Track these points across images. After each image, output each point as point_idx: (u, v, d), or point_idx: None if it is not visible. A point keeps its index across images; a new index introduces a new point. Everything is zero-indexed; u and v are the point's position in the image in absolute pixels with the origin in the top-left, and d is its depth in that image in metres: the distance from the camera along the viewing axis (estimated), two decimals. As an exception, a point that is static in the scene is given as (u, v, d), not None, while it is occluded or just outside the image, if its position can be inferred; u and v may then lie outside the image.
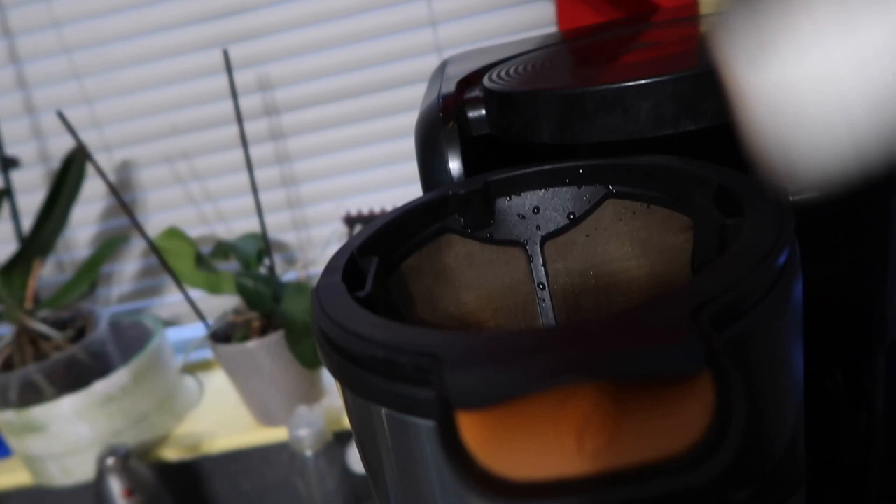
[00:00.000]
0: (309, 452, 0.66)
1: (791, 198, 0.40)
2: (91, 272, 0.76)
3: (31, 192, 0.83)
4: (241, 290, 0.68)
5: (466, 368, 0.16)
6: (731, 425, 0.14)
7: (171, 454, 0.77)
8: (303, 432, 0.65)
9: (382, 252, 0.27)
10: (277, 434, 0.76)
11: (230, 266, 0.79)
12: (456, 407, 0.16)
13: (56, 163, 0.77)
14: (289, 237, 0.87)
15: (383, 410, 0.20)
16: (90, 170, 0.73)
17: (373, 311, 0.21)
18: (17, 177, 0.79)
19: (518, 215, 0.31)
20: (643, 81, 0.28)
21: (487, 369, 0.16)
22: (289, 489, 0.80)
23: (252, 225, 0.81)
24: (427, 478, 0.20)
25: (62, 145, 0.81)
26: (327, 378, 0.78)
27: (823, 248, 0.39)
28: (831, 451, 0.42)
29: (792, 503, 0.22)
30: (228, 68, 0.71)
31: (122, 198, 0.78)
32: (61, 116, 0.66)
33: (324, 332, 0.21)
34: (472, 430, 0.15)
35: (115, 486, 0.67)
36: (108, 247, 0.78)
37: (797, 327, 0.21)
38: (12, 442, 0.74)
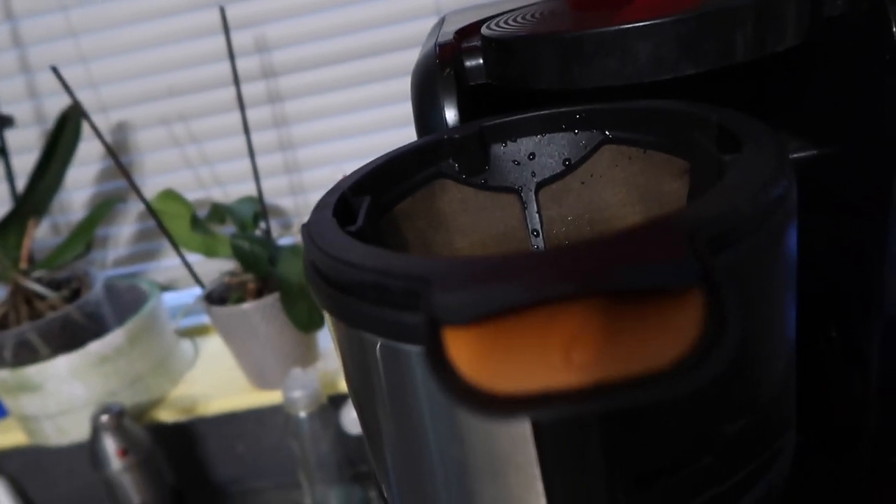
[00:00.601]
0: (303, 414, 0.66)
1: (791, 155, 0.39)
2: (86, 233, 0.76)
3: (26, 153, 0.82)
4: (237, 252, 0.68)
5: (455, 288, 0.16)
6: (722, 340, 0.13)
7: (166, 416, 0.78)
8: (297, 394, 0.65)
9: (375, 192, 0.27)
10: (272, 397, 0.76)
11: (227, 230, 0.78)
12: (443, 323, 0.15)
13: (52, 123, 0.76)
14: (286, 202, 0.86)
15: (375, 341, 0.20)
16: (86, 132, 0.72)
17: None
18: (11, 137, 0.78)
19: (513, 161, 0.30)
20: (642, 23, 0.27)
21: (475, 286, 0.15)
22: (284, 452, 0.81)
23: (249, 189, 0.80)
24: (418, 408, 0.20)
25: (58, 105, 0.80)
26: (322, 341, 0.78)
27: (827, 208, 0.38)
28: (824, 411, 0.42)
29: (781, 444, 0.22)
30: (225, 27, 0.70)
31: (119, 160, 0.78)
32: (56, 72, 0.65)
33: (314, 263, 0.21)
34: (461, 347, 0.15)
35: (110, 445, 0.68)
36: (103, 207, 0.77)
37: (789, 272, 0.20)
38: (7, 401, 0.74)
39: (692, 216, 0.16)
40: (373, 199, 0.27)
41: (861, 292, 0.37)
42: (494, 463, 0.19)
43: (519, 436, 0.18)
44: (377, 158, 0.29)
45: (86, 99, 0.80)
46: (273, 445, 0.82)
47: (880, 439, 0.39)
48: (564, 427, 0.18)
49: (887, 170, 0.32)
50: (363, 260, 0.19)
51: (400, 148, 0.29)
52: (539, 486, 0.19)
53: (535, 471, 0.19)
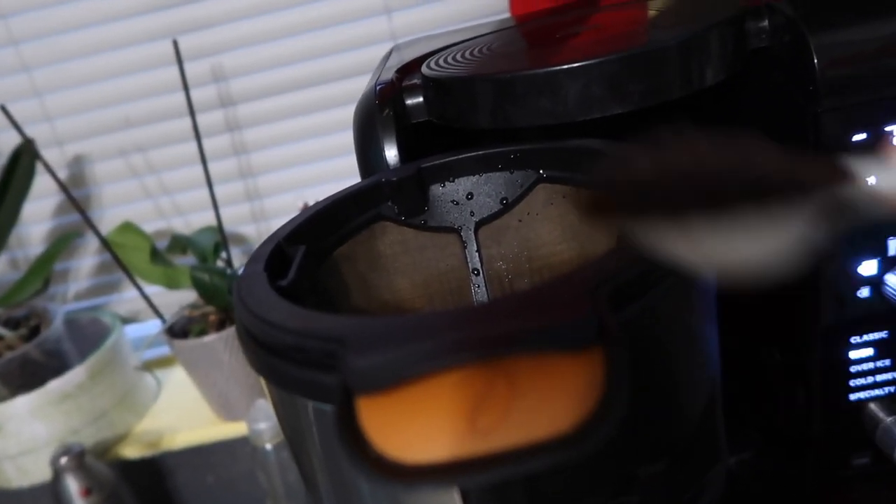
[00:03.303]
0: (269, 446, 0.65)
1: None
2: (44, 268, 0.74)
3: (-20, 189, 0.81)
4: (197, 284, 0.68)
5: (366, 352, 0.16)
6: (613, 400, 0.14)
7: (132, 451, 0.77)
8: (262, 425, 0.64)
9: (313, 240, 0.27)
10: (239, 428, 0.75)
11: (189, 260, 0.78)
12: (354, 390, 0.16)
13: (6, 158, 0.75)
14: (248, 229, 0.86)
15: (306, 402, 0.20)
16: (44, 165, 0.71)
17: (297, 300, 0.21)
18: (-36, 173, 0.77)
19: (452, 201, 0.31)
20: (570, 65, 0.28)
21: (385, 352, 0.16)
22: (254, 481, 0.80)
23: (211, 217, 0.79)
24: (350, 467, 0.20)
25: (12, 140, 0.80)
26: (288, 370, 0.77)
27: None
28: (772, 424, 0.43)
29: (710, 478, 0.22)
30: (179, 59, 0.70)
31: (75, 193, 0.77)
32: (4, 110, 0.65)
33: (242, 322, 0.21)
34: (371, 414, 0.16)
35: (73, 485, 0.66)
36: (60, 242, 0.76)
37: (706, 306, 0.21)
38: (-33, 443, 0.73)
39: (594, 272, 0.17)
40: (312, 245, 0.27)
41: (801, 312, 0.37)
42: (425, 517, 0.20)
43: (446, 495, 0.19)
44: (315, 205, 0.29)
45: (41, 132, 0.80)
46: (243, 475, 0.81)
47: (826, 452, 0.40)
48: (487, 487, 0.18)
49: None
50: (285, 320, 0.19)
51: (338, 193, 0.30)
52: (469, 538, 0.19)
53: (465, 524, 0.19)
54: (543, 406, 0.15)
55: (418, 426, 0.15)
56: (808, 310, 0.37)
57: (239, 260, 0.84)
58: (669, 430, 0.20)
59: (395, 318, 0.18)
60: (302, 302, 0.21)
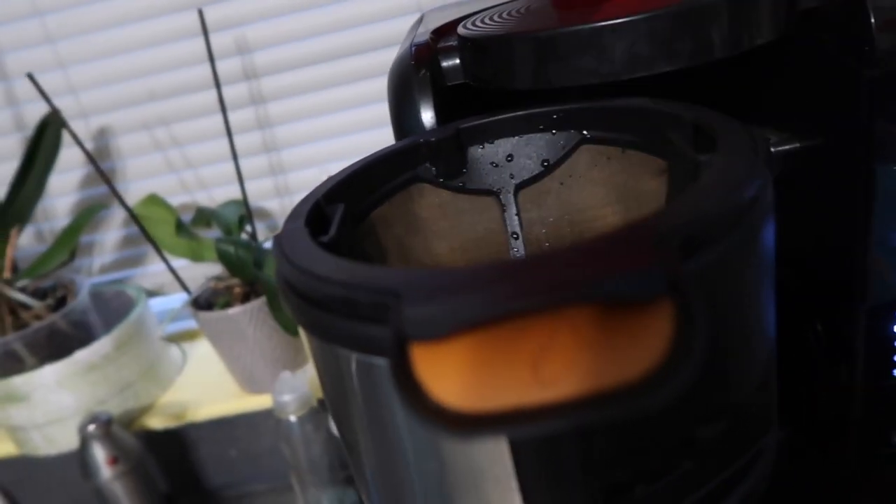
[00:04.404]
0: (293, 418, 0.65)
1: (773, 148, 0.39)
2: (70, 240, 0.75)
3: (7, 162, 0.81)
4: (222, 256, 0.67)
5: (422, 301, 0.15)
6: (692, 349, 0.13)
7: (156, 423, 0.77)
8: (287, 398, 0.64)
9: (350, 200, 0.27)
10: (264, 401, 0.75)
11: (214, 234, 0.78)
12: (410, 339, 0.15)
13: (32, 130, 0.75)
14: (272, 204, 0.86)
15: (350, 355, 0.19)
16: (69, 138, 0.71)
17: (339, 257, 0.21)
18: (-9, 145, 0.77)
19: (491, 163, 0.30)
20: (617, 21, 0.27)
21: (442, 300, 0.15)
22: (277, 455, 0.80)
23: (234, 192, 0.79)
24: (395, 422, 0.20)
25: (38, 112, 0.80)
26: (312, 344, 0.77)
27: (808, 202, 0.38)
28: (811, 403, 0.42)
29: (763, 445, 0.22)
30: (204, 29, 0.69)
31: (101, 166, 0.77)
32: (31, 79, 0.65)
33: (285, 276, 0.21)
34: (428, 364, 0.15)
35: (100, 453, 0.67)
36: (86, 214, 0.77)
37: (767, 267, 0.20)
38: (-5, 412, 0.74)
39: (661, 222, 0.16)
40: (348, 206, 0.26)
41: (845, 285, 0.36)
42: (472, 476, 0.19)
43: (495, 449, 0.18)
44: (352, 165, 0.28)
45: (66, 105, 0.80)
46: (266, 449, 0.81)
47: (866, 430, 0.39)
48: (541, 439, 0.18)
49: (866, 162, 0.32)
50: (333, 273, 0.19)
51: (375, 153, 0.29)
52: (517, 499, 0.19)
53: (513, 483, 0.19)
54: (609, 356, 0.14)
55: (480, 374, 0.14)
56: (854, 283, 0.35)
57: (263, 234, 0.84)
58: (730, 390, 0.19)
59: (449, 269, 0.17)
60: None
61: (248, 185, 0.78)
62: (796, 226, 0.40)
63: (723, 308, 0.18)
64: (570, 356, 0.14)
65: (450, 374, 0.15)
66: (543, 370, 0.14)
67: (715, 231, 0.17)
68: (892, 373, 0.37)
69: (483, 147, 0.30)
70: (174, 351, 0.85)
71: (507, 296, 0.15)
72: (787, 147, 0.38)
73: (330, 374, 0.21)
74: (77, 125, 0.81)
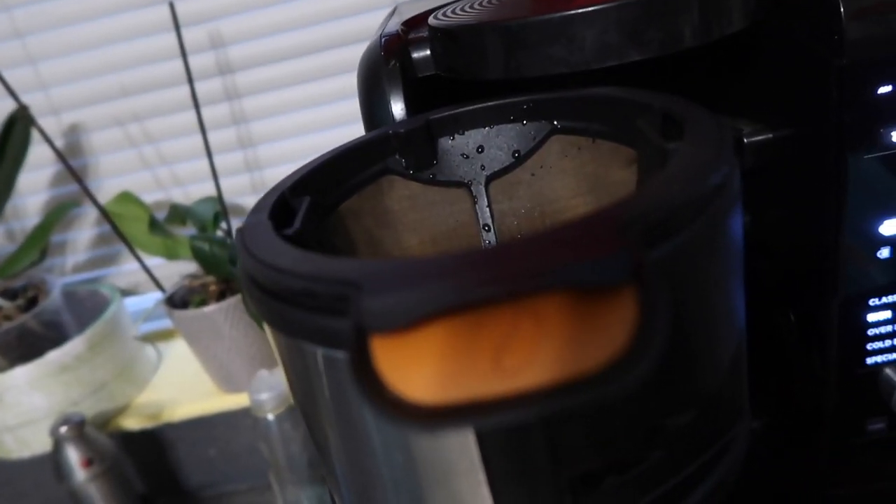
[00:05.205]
0: (271, 416, 0.65)
1: (746, 139, 0.39)
2: (41, 239, 0.73)
3: (-25, 159, 0.79)
4: (197, 254, 0.67)
5: (382, 292, 0.15)
6: (653, 338, 0.13)
7: (132, 423, 0.76)
8: (264, 396, 0.64)
9: (317, 192, 0.26)
10: (241, 399, 0.75)
11: (189, 231, 0.77)
12: (369, 331, 0.15)
13: None
14: (248, 200, 0.85)
15: (315, 349, 0.19)
16: (39, 135, 0.70)
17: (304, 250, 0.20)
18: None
19: (462, 155, 0.29)
20: (586, 10, 0.27)
21: (402, 291, 0.15)
22: (256, 454, 0.80)
23: (210, 188, 0.78)
24: (362, 416, 0.19)
25: (6, 108, 0.78)
26: (290, 341, 0.77)
27: (783, 192, 0.38)
28: (785, 392, 0.42)
29: (733, 434, 0.22)
30: (176, 24, 0.68)
31: (73, 163, 0.75)
32: (-2, 75, 0.63)
33: (247, 269, 0.20)
34: (389, 356, 0.15)
35: (73, 455, 0.66)
36: (57, 212, 0.75)
37: (735, 255, 0.20)
38: (-34, 415, 0.72)
39: (625, 210, 0.16)
40: (316, 198, 0.26)
41: (818, 275, 0.37)
42: (440, 469, 0.19)
43: (462, 441, 0.18)
44: (320, 157, 0.28)
45: (36, 101, 0.78)
46: (245, 448, 0.80)
47: (840, 419, 0.39)
48: (507, 430, 0.17)
49: (837, 152, 0.32)
50: (293, 265, 0.18)
51: (344, 145, 0.29)
52: (485, 491, 0.19)
53: (481, 476, 0.18)
54: (572, 345, 0.14)
55: (440, 366, 0.14)
56: (826, 272, 0.36)
57: (239, 231, 0.83)
58: (698, 379, 0.19)
59: (411, 259, 0.17)
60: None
61: (225, 182, 0.77)
62: (771, 216, 0.40)
63: (689, 295, 0.18)
64: (533, 346, 0.14)
65: (411, 366, 0.14)
66: (505, 361, 0.14)
67: (680, 218, 0.17)
68: (865, 362, 0.37)
69: (453, 138, 0.29)
70: (149, 350, 0.84)
71: (467, 285, 0.14)
72: (760, 137, 0.38)
73: (296, 370, 0.21)
74: (48, 122, 0.79)
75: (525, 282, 0.14)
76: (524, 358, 0.14)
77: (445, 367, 0.14)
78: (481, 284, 0.14)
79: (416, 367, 0.14)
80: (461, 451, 0.18)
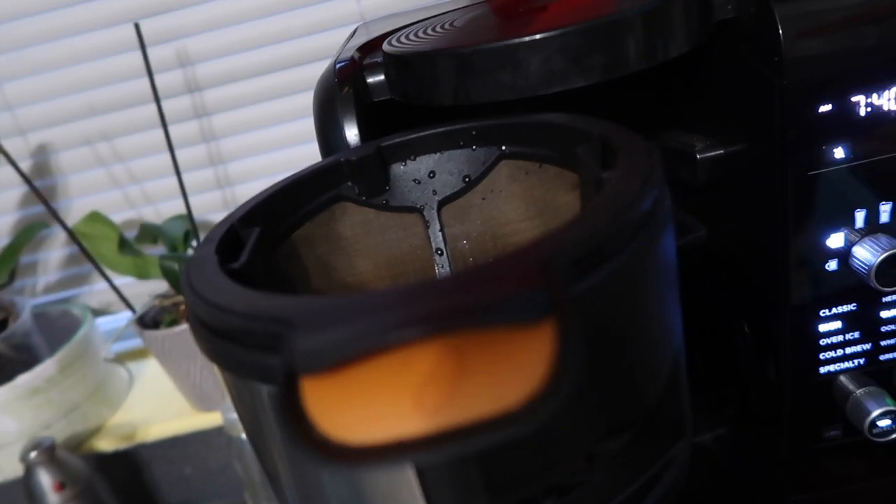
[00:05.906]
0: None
1: (699, 155, 0.40)
2: (9, 261, 0.73)
3: (-59, 181, 0.79)
4: (167, 273, 0.66)
5: (310, 331, 0.15)
6: (562, 375, 0.13)
7: (106, 444, 0.75)
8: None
9: (269, 221, 0.26)
10: (215, 418, 0.74)
11: (159, 250, 0.76)
12: (297, 370, 0.15)
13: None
14: (219, 217, 0.84)
15: (261, 386, 0.19)
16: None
17: (251, 283, 0.21)
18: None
19: (414, 180, 0.30)
20: (530, 38, 0.27)
21: (328, 331, 0.15)
22: (231, 472, 0.79)
23: (180, 206, 0.78)
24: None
25: (-29, 130, 0.78)
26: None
27: (736, 206, 0.39)
28: (744, 401, 0.43)
29: (674, 454, 0.22)
30: (141, 43, 0.68)
31: (40, 184, 0.75)
32: (-39, 98, 0.63)
33: (189, 305, 0.21)
34: (316, 396, 0.15)
35: (45, 479, 0.65)
36: (25, 234, 0.75)
37: (669, 276, 0.20)
38: (-65, 441, 0.71)
39: (550, 245, 0.16)
40: (268, 227, 0.26)
41: (771, 287, 0.37)
42: (383, 501, 0.19)
43: (403, 473, 0.18)
44: (272, 186, 0.28)
45: (2, 121, 0.77)
46: (220, 466, 0.80)
47: (797, 426, 0.40)
48: (444, 462, 0.18)
49: (782, 168, 0.33)
50: (231, 303, 0.19)
51: (297, 173, 0.29)
52: (427, 520, 0.19)
53: (422, 505, 0.19)
54: (492, 383, 0.14)
55: (364, 406, 0.14)
56: (777, 284, 0.36)
57: (211, 248, 0.83)
58: (629, 404, 0.19)
59: (342, 296, 0.17)
60: (255, 286, 0.20)
61: (195, 199, 0.77)
62: (725, 229, 0.41)
63: (619, 320, 0.18)
64: (453, 384, 0.14)
65: (337, 405, 0.15)
66: (426, 400, 0.14)
67: (607, 249, 0.17)
68: (819, 371, 0.38)
69: (405, 164, 0.30)
70: (121, 371, 0.83)
71: (392, 326, 0.15)
72: (712, 153, 0.39)
73: (244, 405, 0.21)
74: (14, 142, 0.78)
75: (444, 322, 0.14)
76: (444, 397, 0.14)
77: (370, 407, 0.14)
78: (401, 325, 0.14)
79: (343, 407, 0.15)
80: (402, 483, 0.19)
